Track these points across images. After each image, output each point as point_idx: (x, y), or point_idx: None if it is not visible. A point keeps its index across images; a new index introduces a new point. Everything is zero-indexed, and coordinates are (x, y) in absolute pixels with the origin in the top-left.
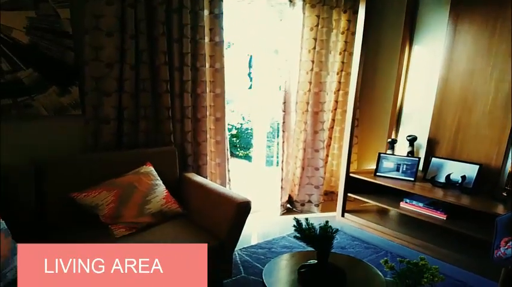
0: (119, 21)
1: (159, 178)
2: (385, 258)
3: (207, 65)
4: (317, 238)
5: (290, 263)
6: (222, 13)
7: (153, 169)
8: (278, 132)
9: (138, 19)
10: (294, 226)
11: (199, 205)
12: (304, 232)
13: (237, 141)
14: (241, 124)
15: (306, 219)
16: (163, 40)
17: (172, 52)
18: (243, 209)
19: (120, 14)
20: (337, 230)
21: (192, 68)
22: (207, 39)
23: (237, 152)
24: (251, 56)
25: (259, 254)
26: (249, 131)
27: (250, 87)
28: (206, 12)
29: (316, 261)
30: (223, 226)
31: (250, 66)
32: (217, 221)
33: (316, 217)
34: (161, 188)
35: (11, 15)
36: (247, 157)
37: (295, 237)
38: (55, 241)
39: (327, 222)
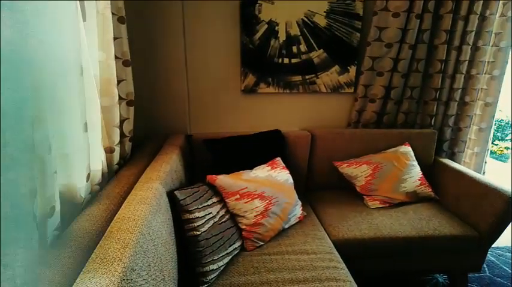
0: (408, 1)
1: (415, 159)
2: None
3: (491, 43)
4: None
5: None
6: None
7: (411, 149)
8: None
9: None
10: None
11: (455, 192)
12: None
13: None
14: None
15: None
16: (448, 18)
17: (455, 31)
18: None
19: None
20: None
21: (472, 47)
22: (498, 14)
23: None
24: None
25: (507, 258)
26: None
27: None
28: None
29: None
30: (486, 219)
31: None
32: (478, 212)
33: None
34: (417, 169)
35: (317, 2)
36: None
37: None
38: (315, 198)
39: None
